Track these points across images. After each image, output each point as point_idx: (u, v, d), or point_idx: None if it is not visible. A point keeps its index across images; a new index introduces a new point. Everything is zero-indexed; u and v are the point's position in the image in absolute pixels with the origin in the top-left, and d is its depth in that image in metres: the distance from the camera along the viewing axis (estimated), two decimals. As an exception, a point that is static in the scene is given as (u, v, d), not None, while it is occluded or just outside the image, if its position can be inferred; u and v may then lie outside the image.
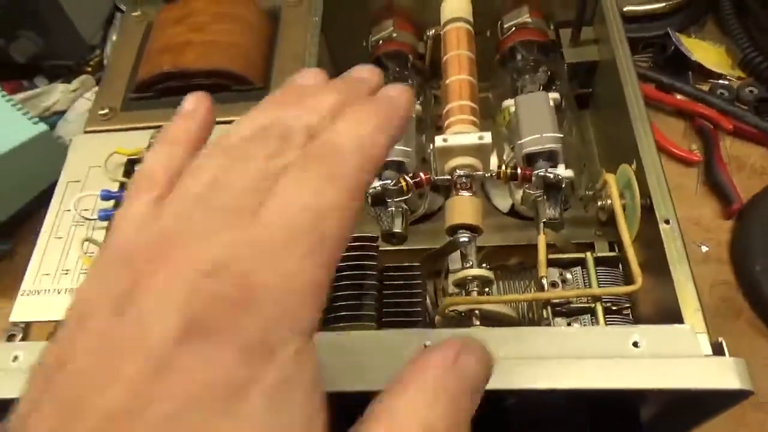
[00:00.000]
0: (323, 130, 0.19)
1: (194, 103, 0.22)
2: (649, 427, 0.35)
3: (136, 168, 0.24)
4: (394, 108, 0.20)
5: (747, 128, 0.58)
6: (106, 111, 0.47)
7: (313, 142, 0.18)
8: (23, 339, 0.40)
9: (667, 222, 0.34)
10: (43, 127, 0.57)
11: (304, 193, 0.17)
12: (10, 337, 0.46)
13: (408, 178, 0.39)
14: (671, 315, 0.32)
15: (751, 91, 0.60)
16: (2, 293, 0.60)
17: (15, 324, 0.56)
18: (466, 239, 0.38)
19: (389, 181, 0.40)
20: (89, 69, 0.71)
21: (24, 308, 0.38)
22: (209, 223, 0.17)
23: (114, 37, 0.69)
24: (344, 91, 0.20)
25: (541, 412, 0.35)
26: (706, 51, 0.61)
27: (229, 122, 0.50)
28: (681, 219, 0.54)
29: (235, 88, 0.46)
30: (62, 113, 0.67)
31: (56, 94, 0.67)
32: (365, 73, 0.21)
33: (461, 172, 0.39)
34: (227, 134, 0.20)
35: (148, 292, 0.16)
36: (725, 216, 0.54)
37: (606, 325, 0.36)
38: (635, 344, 0.29)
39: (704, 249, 0.52)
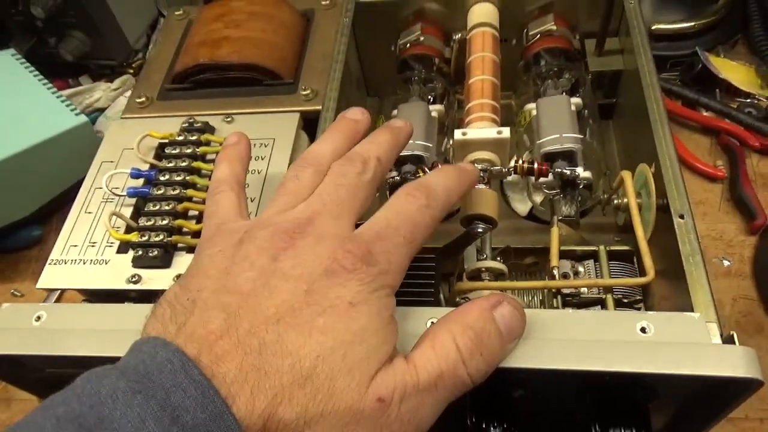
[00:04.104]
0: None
1: (238, 136, 0.34)
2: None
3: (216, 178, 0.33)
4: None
5: (775, 146, 0.57)
6: (143, 99, 0.49)
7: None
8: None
9: (681, 217, 0.34)
10: (83, 118, 0.60)
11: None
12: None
13: (426, 169, 0.40)
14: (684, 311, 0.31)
15: (781, 111, 0.59)
16: (32, 278, 0.63)
17: (46, 298, 0.58)
18: (482, 230, 0.38)
19: (408, 172, 0.41)
20: (131, 71, 0.74)
21: (51, 276, 0.39)
22: (341, 210, 0.27)
23: (156, 38, 0.73)
24: (389, 132, 0.31)
25: (547, 405, 0.34)
26: (734, 70, 0.61)
27: (262, 113, 0.51)
28: (704, 234, 0.54)
29: (266, 82, 0.48)
30: (103, 110, 0.71)
31: (99, 92, 0.71)
32: (400, 123, 0.33)
33: (479, 166, 0.40)
34: (314, 154, 0.30)
35: (303, 247, 0.25)
36: (749, 232, 0.53)
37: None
38: (643, 330, 0.29)
39: (726, 263, 0.52)
